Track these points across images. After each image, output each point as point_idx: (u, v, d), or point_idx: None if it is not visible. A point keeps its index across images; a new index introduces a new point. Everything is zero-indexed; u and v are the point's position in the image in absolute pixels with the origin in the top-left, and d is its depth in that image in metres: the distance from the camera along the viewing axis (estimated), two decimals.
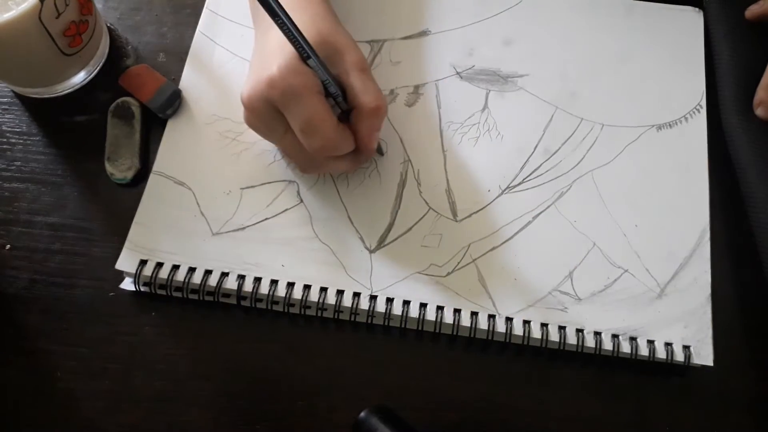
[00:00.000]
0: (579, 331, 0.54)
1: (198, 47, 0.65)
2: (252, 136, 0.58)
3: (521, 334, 0.54)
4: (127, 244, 0.57)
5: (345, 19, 0.64)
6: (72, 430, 0.54)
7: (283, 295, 0.55)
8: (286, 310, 0.55)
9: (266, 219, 0.58)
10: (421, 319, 0.55)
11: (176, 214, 0.58)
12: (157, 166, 0.60)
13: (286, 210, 0.58)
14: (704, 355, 0.54)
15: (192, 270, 0.56)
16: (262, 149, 0.60)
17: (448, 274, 0.56)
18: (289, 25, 0.47)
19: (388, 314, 0.55)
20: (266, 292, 0.55)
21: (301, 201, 0.58)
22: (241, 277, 0.56)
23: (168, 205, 0.58)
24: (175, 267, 0.56)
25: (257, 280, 0.56)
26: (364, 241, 0.57)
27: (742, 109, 0.60)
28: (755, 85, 0.60)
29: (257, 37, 0.56)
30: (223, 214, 0.58)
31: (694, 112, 0.62)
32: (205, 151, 0.60)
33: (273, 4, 0.46)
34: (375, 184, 0.59)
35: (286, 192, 0.59)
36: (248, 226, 0.58)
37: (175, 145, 0.61)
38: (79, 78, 0.62)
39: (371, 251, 0.57)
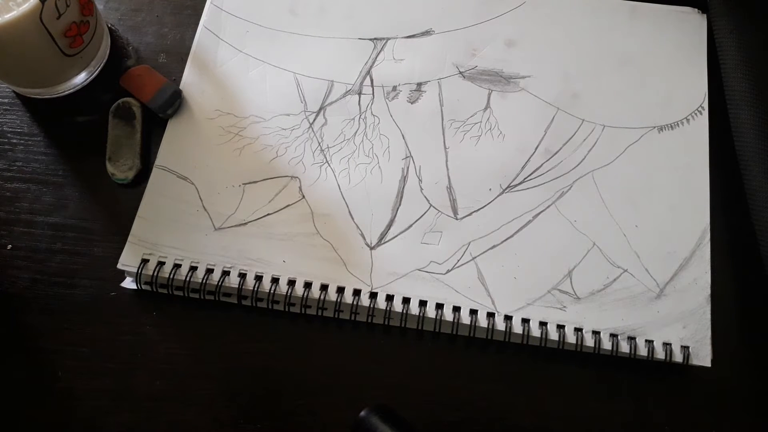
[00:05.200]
0: (578, 330, 0.54)
1: (201, 42, 0.65)
2: (254, 131, 0.58)
3: (520, 332, 0.54)
4: (130, 238, 0.57)
5: (350, 16, 0.65)
6: (72, 430, 0.54)
7: (284, 293, 0.55)
8: (286, 309, 0.55)
9: (268, 215, 0.58)
10: (421, 318, 0.55)
11: (179, 209, 0.58)
12: (159, 161, 0.60)
13: (288, 206, 0.58)
14: (702, 356, 0.54)
15: (193, 268, 0.56)
16: (264, 145, 0.60)
17: (448, 271, 0.56)
18: None
19: (388, 313, 0.55)
20: (267, 291, 0.55)
21: (303, 197, 0.59)
22: (243, 276, 0.56)
23: (171, 199, 0.59)
24: (177, 265, 0.56)
25: (258, 278, 0.56)
26: (364, 238, 0.57)
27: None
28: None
29: None
30: (225, 209, 0.58)
31: (695, 114, 0.62)
32: (208, 146, 0.61)
33: None
34: (376, 180, 0.59)
35: (287, 188, 0.59)
36: (250, 222, 0.58)
37: (177, 140, 0.61)
38: (80, 79, 0.62)
39: (372, 248, 0.57)
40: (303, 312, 0.56)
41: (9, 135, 0.62)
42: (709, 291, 0.56)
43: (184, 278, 0.55)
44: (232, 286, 0.55)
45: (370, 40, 0.65)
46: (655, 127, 0.61)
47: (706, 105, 0.62)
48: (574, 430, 0.53)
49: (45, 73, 0.60)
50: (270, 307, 0.56)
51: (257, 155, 0.60)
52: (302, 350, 0.55)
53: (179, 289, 0.56)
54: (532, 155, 0.60)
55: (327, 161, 0.60)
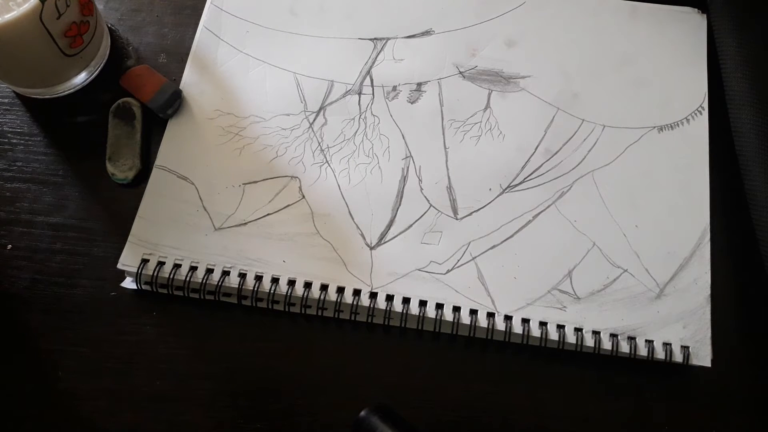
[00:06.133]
0: (578, 330, 0.54)
1: (201, 42, 0.65)
2: (254, 131, 0.58)
3: (520, 332, 0.54)
4: (130, 238, 0.57)
5: (350, 16, 0.65)
6: (72, 430, 0.54)
7: (284, 293, 0.55)
8: (286, 309, 0.55)
9: (268, 215, 0.58)
10: (421, 318, 0.55)
11: (179, 209, 0.58)
12: (159, 161, 0.60)
13: (288, 206, 0.58)
14: (702, 356, 0.54)
15: (193, 268, 0.56)
16: (264, 145, 0.60)
17: (448, 271, 0.56)
18: None
19: (388, 313, 0.55)
20: (267, 291, 0.55)
21: (303, 197, 0.59)
22: (243, 276, 0.56)
23: (171, 199, 0.59)
24: (177, 265, 0.56)
25: (258, 278, 0.56)
26: (364, 238, 0.57)
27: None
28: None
29: None
30: (225, 209, 0.58)
31: (695, 114, 0.62)
32: (208, 146, 0.61)
33: None
34: (376, 180, 0.59)
35: (287, 188, 0.59)
36: (250, 222, 0.58)
37: (177, 140, 0.61)
38: (80, 79, 0.62)
39: (372, 248, 0.57)
40: (303, 312, 0.56)
41: (9, 135, 0.62)
42: (709, 291, 0.56)
43: (184, 278, 0.55)
44: (232, 286, 0.55)
45: (370, 40, 0.65)
46: (655, 127, 0.61)
47: (706, 105, 0.62)
48: (574, 430, 0.54)
49: (45, 73, 0.60)
50: (270, 307, 0.56)
51: (257, 155, 0.60)
52: (302, 350, 0.55)
53: (179, 289, 0.56)
54: (532, 155, 0.60)
55: (327, 161, 0.60)
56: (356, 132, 0.61)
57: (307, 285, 0.55)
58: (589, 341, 0.54)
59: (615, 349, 0.54)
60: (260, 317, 0.56)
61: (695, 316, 0.55)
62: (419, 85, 0.63)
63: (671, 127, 0.61)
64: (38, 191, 0.60)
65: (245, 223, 0.58)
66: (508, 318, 0.55)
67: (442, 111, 0.62)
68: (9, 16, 0.53)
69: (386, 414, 0.49)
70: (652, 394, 0.54)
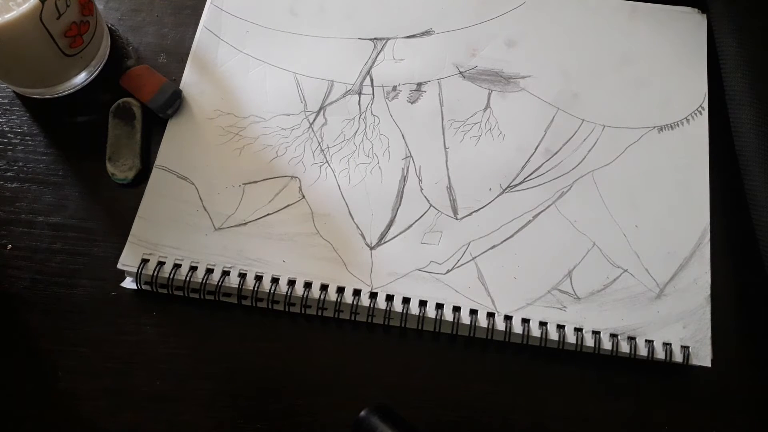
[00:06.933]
0: (578, 330, 0.54)
1: (201, 42, 0.65)
2: (254, 131, 0.58)
3: (520, 332, 0.54)
4: (130, 238, 0.57)
5: (350, 16, 0.65)
6: (72, 430, 0.54)
7: (284, 293, 0.55)
8: (286, 309, 0.55)
9: (268, 215, 0.58)
10: (421, 318, 0.55)
11: (179, 209, 0.58)
12: (159, 161, 0.60)
13: (288, 206, 0.58)
14: (702, 356, 0.54)
15: (193, 268, 0.56)
16: (264, 145, 0.60)
17: (448, 271, 0.56)
18: None
19: (388, 313, 0.55)
20: (267, 291, 0.55)
21: (303, 197, 0.59)
22: (243, 276, 0.56)
23: (171, 199, 0.59)
24: (177, 265, 0.56)
25: (258, 278, 0.56)
26: (364, 238, 0.57)
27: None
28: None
29: None
30: (225, 209, 0.58)
31: (695, 114, 0.62)
32: (208, 146, 0.61)
33: None
34: (376, 180, 0.59)
35: (287, 188, 0.59)
36: (250, 222, 0.58)
37: (177, 140, 0.61)
38: (80, 79, 0.62)
39: (372, 248, 0.57)
40: (303, 312, 0.56)
41: (9, 135, 0.62)
42: (709, 291, 0.56)
43: (184, 278, 0.55)
44: (232, 286, 0.55)
45: (370, 40, 0.65)
46: (655, 127, 0.61)
47: (706, 105, 0.62)
48: (574, 430, 0.53)
49: (45, 73, 0.60)
50: (270, 307, 0.56)
51: (257, 155, 0.60)
52: (302, 350, 0.55)
53: (179, 289, 0.56)
54: (532, 155, 0.60)
55: (327, 161, 0.60)
56: (356, 132, 0.61)
57: (307, 285, 0.55)
58: (589, 341, 0.54)
59: (615, 349, 0.54)
60: (260, 317, 0.56)
61: (695, 316, 0.55)
62: (419, 85, 0.63)
63: (671, 127, 0.61)
64: (38, 191, 0.60)
65: (245, 223, 0.58)
66: (508, 318, 0.55)
67: (442, 111, 0.62)
68: (9, 16, 0.53)
69: (386, 414, 0.49)
70: (652, 394, 0.54)
